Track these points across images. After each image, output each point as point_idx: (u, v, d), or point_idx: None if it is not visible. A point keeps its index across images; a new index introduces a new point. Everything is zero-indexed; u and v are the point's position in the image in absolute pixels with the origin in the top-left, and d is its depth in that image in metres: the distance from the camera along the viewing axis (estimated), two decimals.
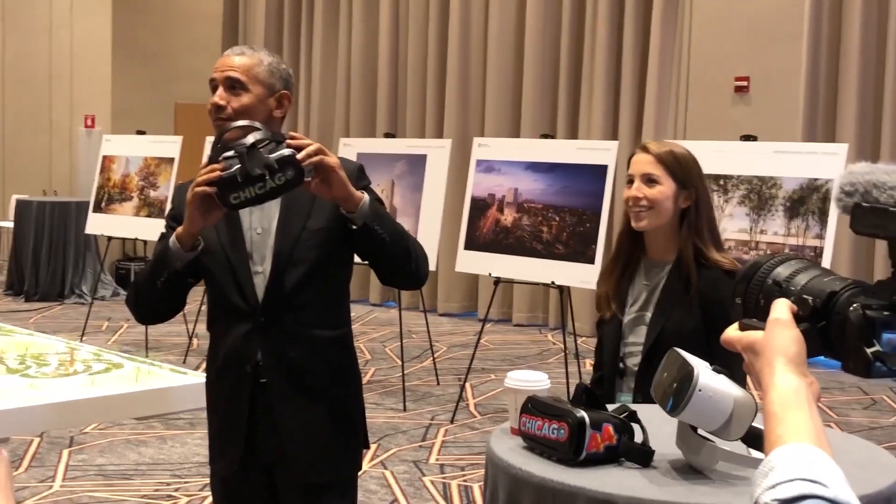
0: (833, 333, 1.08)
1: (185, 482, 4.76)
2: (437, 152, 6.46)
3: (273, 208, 2.37)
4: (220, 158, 2.19)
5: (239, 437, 2.40)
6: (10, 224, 10.32)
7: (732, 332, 1.16)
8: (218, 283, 2.40)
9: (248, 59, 2.36)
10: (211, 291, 2.45)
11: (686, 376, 1.71)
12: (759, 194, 5.00)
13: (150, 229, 7.71)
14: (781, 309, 1.10)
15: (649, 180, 2.50)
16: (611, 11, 8.52)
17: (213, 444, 2.56)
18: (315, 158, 2.16)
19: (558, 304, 8.50)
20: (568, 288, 5.83)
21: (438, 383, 6.82)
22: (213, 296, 2.45)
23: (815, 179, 4.84)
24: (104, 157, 8.26)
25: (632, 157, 2.60)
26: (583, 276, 5.56)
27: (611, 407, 1.93)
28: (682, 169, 2.50)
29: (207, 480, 4.71)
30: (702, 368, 1.72)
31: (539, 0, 8.93)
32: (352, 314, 2.61)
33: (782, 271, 1.16)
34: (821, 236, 4.78)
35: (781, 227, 4.91)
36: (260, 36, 11.11)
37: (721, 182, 5.11)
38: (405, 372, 6.59)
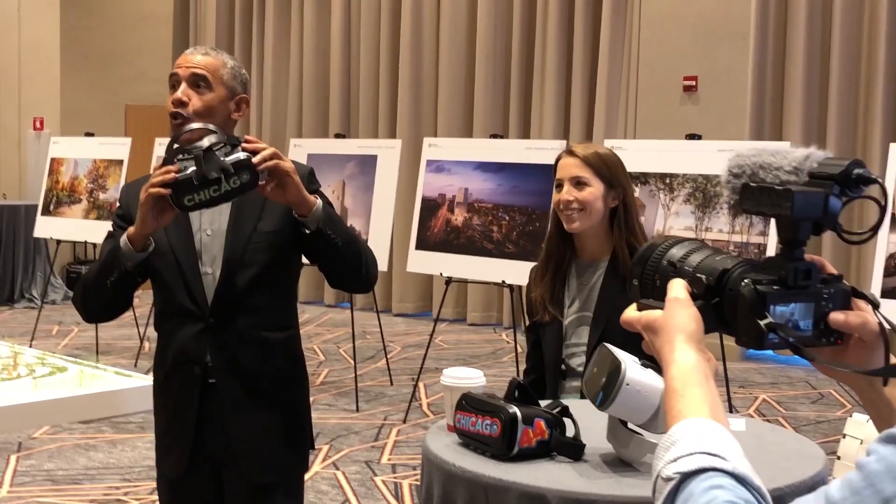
0: (726, 309, 1.12)
1: (135, 486, 4.74)
2: (388, 153, 6.47)
3: (224, 210, 2.37)
4: (175, 160, 2.19)
5: (187, 437, 2.40)
6: None
7: (631, 313, 1.19)
8: (167, 285, 2.40)
9: (213, 60, 2.38)
10: (159, 292, 2.45)
11: (614, 371, 1.75)
12: (703, 192, 5.07)
13: (100, 232, 7.62)
14: (678, 288, 1.13)
15: (578, 183, 2.54)
16: (561, 12, 8.59)
17: (159, 445, 2.57)
18: (270, 163, 2.17)
19: (512, 303, 8.56)
20: (519, 287, 5.87)
21: (392, 383, 6.83)
22: (161, 297, 2.45)
23: None
24: (52, 160, 8.18)
25: (558, 161, 2.63)
26: None
27: (543, 402, 1.96)
28: (609, 170, 2.55)
29: (156, 484, 4.71)
30: (629, 363, 1.76)
31: (490, 1, 8.98)
32: (306, 315, 2.64)
33: (676, 252, 1.20)
34: (764, 233, 4.85)
35: (726, 224, 4.98)
36: (211, 37, 11.05)
37: (667, 181, 5.17)
38: (358, 373, 6.59)
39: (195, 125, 2.25)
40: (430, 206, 6.10)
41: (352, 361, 6.98)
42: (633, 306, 1.19)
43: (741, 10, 7.55)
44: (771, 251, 4.83)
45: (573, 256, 2.62)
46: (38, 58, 10.78)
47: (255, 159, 2.16)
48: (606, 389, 1.74)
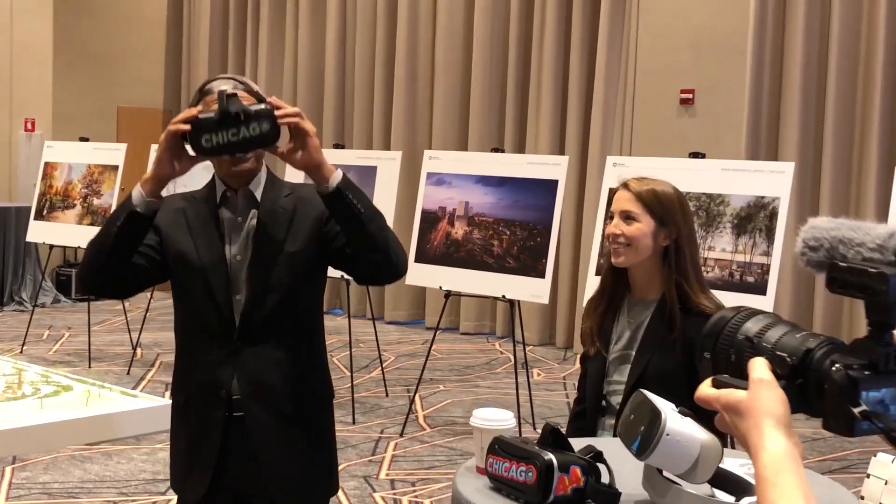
0: (810, 391, 1.10)
1: (133, 500, 4.69)
2: (388, 164, 6.45)
3: (251, 236, 2.38)
4: (199, 111, 2.24)
5: (209, 462, 2.38)
6: None
7: (708, 391, 1.16)
8: (196, 305, 2.39)
9: (243, 91, 2.37)
10: (186, 313, 2.44)
11: (653, 420, 1.73)
12: (707, 211, 5.06)
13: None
14: (762, 368, 1.11)
15: (627, 217, 2.50)
16: (558, 25, 8.58)
17: (177, 469, 2.53)
18: (292, 119, 2.19)
19: (505, 312, 8.56)
20: (518, 301, 5.86)
21: (387, 395, 6.80)
22: (188, 317, 2.43)
23: (762, 197, 4.92)
24: (46, 164, 8.11)
25: (614, 193, 2.61)
26: (533, 291, 5.58)
27: (577, 444, 1.94)
28: (663, 207, 2.50)
29: (155, 498, 4.67)
30: (669, 412, 1.74)
31: (487, 13, 8.96)
32: None
33: (752, 326, 1.17)
34: (767, 253, 4.85)
35: (729, 243, 4.97)
36: (205, 42, 10.98)
37: None
38: (354, 383, 6.57)
39: (227, 76, 2.34)
40: (430, 219, 6.07)
41: (347, 371, 6.95)
42: (708, 382, 1.17)
43: (739, 24, 7.56)
44: (774, 271, 4.82)
45: (627, 292, 2.60)
46: (30, 58, 10.70)
47: (277, 112, 2.19)
48: (645, 438, 1.72)
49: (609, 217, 2.57)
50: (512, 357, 7.79)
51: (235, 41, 10.93)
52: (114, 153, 7.72)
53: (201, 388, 2.39)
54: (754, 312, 1.19)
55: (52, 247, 7.98)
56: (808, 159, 7.28)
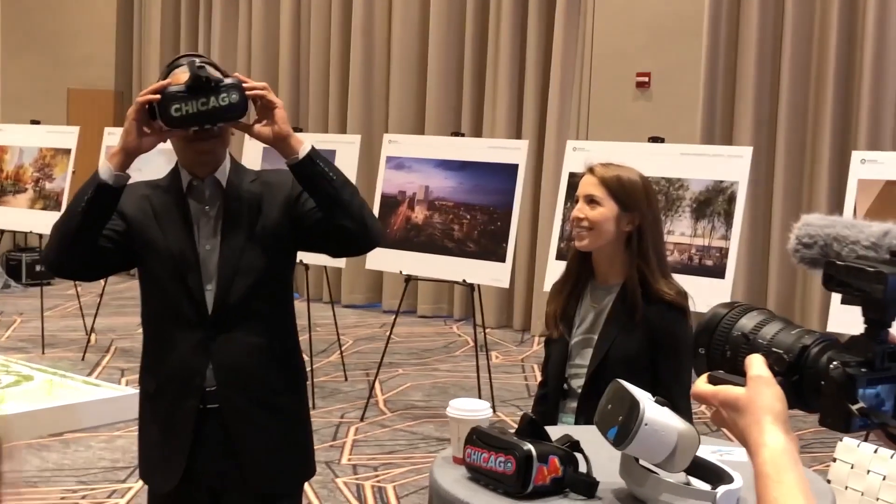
0: (806, 388, 1.11)
1: (92, 489, 4.64)
2: (347, 148, 6.41)
3: (219, 223, 2.37)
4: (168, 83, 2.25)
5: (182, 452, 2.35)
6: None
7: (704, 387, 1.16)
8: (166, 293, 2.36)
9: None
10: (155, 301, 2.42)
11: (631, 410, 1.74)
12: (666, 195, 5.10)
13: (46, 222, 7.43)
14: (760, 365, 1.11)
15: (591, 201, 2.54)
16: (514, 8, 8.57)
17: (147, 459, 2.49)
18: (260, 92, 2.23)
19: (463, 295, 8.56)
20: (479, 286, 5.87)
21: (346, 379, 6.79)
22: (158, 305, 2.41)
23: (721, 182, 4.97)
24: None
25: (579, 178, 2.63)
26: (494, 275, 5.60)
27: (553, 431, 1.95)
28: (626, 192, 2.53)
29: (115, 486, 4.63)
30: (647, 402, 1.75)
31: None
32: None
33: (747, 323, 1.18)
34: (726, 237, 4.91)
35: (688, 227, 5.02)
36: (156, 23, 10.81)
37: None
38: (313, 367, 6.55)
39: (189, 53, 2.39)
40: (390, 203, 6.06)
41: (306, 356, 6.92)
42: (704, 378, 1.17)
43: (695, 7, 7.61)
44: (732, 254, 4.88)
45: (591, 276, 2.62)
46: None
47: (245, 85, 2.23)
48: (623, 428, 1.74)
49: (574, 201, 2.60)
50: (470, 340, 7.81)
51: (188, 21, 10.77)
52: (66, 136, 7.59)
53: (173, 376, 2.37)
54: (748, 309, 1.20)
55: (2, 231, 7.84)
56: (762, 143, 7.36)
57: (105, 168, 2.25)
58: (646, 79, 7.92)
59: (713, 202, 4.98)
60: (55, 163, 7.51)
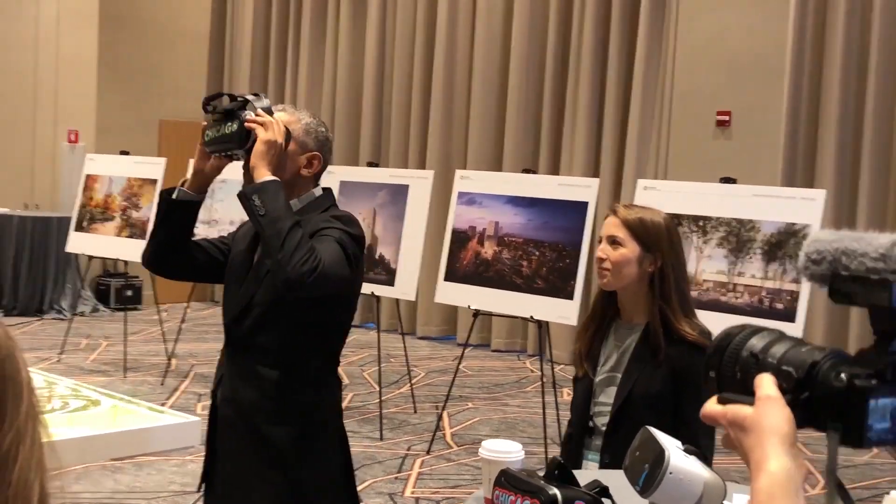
0: (817, 405, 1.07)
1: None
2: (419, 183, 6.50)
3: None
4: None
5: (206, 457, 2.60)
6: None
7: (714, 407, 1.14)
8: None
9: (288, 116, 2.52)
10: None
11: (657, 457, 1.74)
12: (737, 237, 5.06)
13: (132, 249, 7.69)
14: (769, 385, 1.08)
15: (613, 242, 2.58)
16: (595, 46, 8.59)
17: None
18: (252, 124, 2.38)
19: (536, 331, 8.56)
20: (547, 323, 5.87)
21: (416, 411, 6.84)
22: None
23: (793, 224, 4.91)
24: (87, 176, 8.26)
25: (605, 219, 2.67)
26: (561, 312, 5.60)
27: (584, 475, 1.96)
28: (648, 234, 2.56)
29: None
30: (673, 450, 1.75)
31: (524, 34, 9.00)
32: None
33: (756, 342, 1.14)
34: (797, 280, 4.83)
35: (759, 269, 4.96)
36: (246, 57, 11.12)
37: (700, 223, 5.16)
38: (382, 398, 6.61)
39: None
40: (461, 238, 6.11)
41: (376, 387, 7.00)
42: (714, 399, 1.14)
43: (777, 46, 7.53)
44: (804, 298, 4.80)
45: (616, 315, 2.64)
46: (75, 71, 10.89)
47: (247, 117, 2.38)
48: (649, 476, 1.74)
49: (599, 241, 2.62)
50: (545, 376, 7.79)
51: (276, 56, 11.06)
52: (153, 167, 7.84)
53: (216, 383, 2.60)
54: (758, 329, 1.16)
55: (91, 257, 8.11)
56: (844, 186, 7.23)
57: (179, 183, 2.52)
58: (726, 118, 7.86)
59: (785, 244, 4.92)
60: (142, 192, 7.76)
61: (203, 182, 2.50)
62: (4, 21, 11.65)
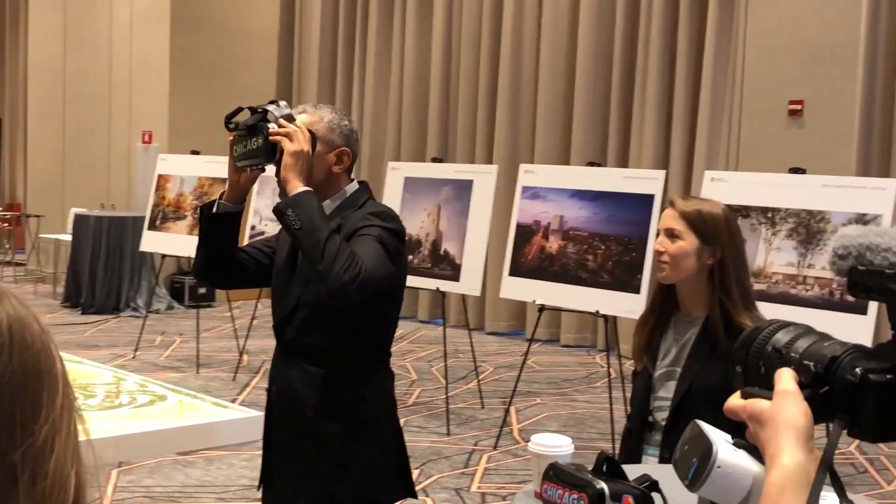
0: (837, 400, 1.06)
1: None
2: (484, 178, 6.49)
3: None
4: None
5: (263, 453, 2.62)
6: (69, 237, 10.54)
7: (736, 401, 1.15)
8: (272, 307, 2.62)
9: (309, 117, 2.49)
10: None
11: (706, 451, 1.71)
12: (807, 228, 4.95)
13: None
14: (787, 379, 1.08)
15: (671, 235, 2.54)
16: (663, 38, 8.49)
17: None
18: (276, 136, 2.37)
19: (605, 327, 8.48)
20: (614, 317, 5.82)
21: (483, 406, 6.83)
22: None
23: (864, 214, 4.79)
24: (159, 176, 8.42)
25: (662, 212, 2.64)
26: (628, 306, 5.54)
27: (635, 470, 1.94)
28: (707, 226, 2.52)
29: None
30: (721, 444, 1.72)
31: (591, 27, 8.93)
32: (399, 331, 2.73)
33: (781, 337, 1.15)
34: None
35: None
36: (315, 56, 11.23)
37: (769, 215, 5.07)
38: (450, 394, 6.62)
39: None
40: (525, 233, 6.09)
41: (443, 381, 7.01)
42: (738, 393, 1.15)
43: (850, 34, 7.36)
44: None
45: (676, 309, 2.60)
46: (148, 72, 11.11)
47: (271, 130, 2.37)
48: (698, 470, 1.71)
49: (657, 234, 2.59)
50: (612, 371, 7.73)
51: (343, 54, 11.15)
52: (223, 166, 7.93)
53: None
54: (786, 324, 1.16)
55: (164, 255, 8.27)
56: None
57: (219, 196, 2.55)
58: (798, 107, 7.69)
59: None
60: (212, 191, 7.88)
61: (240, 192, 2.52)
62: (79, 25, 11.95)
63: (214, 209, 2.52)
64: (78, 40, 11.99)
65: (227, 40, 11.24)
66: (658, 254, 2.56)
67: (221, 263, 2.57)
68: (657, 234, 2.62)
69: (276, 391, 2.56)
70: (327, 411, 2.47)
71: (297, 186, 2.35)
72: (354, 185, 2.55)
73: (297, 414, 2.50)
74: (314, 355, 2.48)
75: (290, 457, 2.52)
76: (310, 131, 2.43)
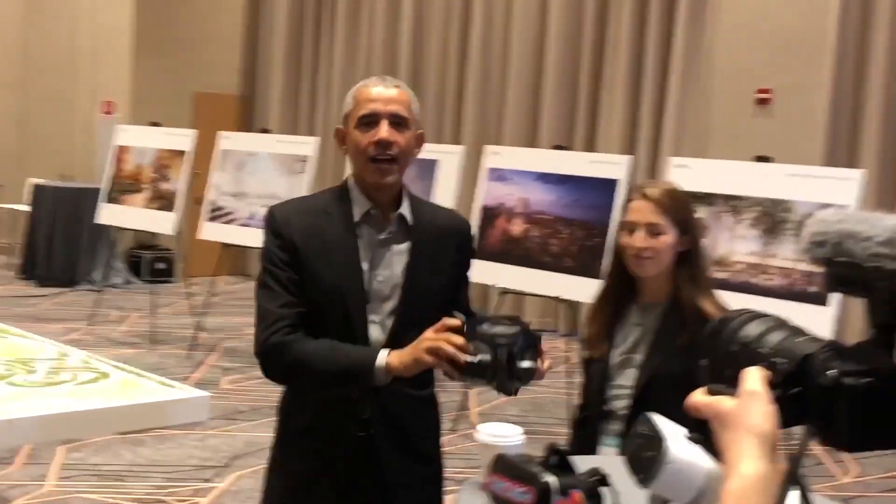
0: (811, 402, 0.98)
1: (178, 486, 4.74)
2: (449, 158, 6.40)
3: (395, 259, 2.26)
4: (471, 339, 2.04)
5: (333, 490, 2.28)
6: (27, 208, 10.34)
7: (700, 398, 1.07)
8: (328, 324, 2.21)
9: (407, 96, 2.26)
10: (320, 331, 2.21)
11: (657, 447, 1.64)
12: (771, 217, 4.91)
13: (161, 221, 7.69)
14: (754, 379, 0.99)
15: (653, 230, 2.42)
16: (633, 21, 8.42)
17: (294, 494, 2.37)
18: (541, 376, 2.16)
19: (568, 310, 8.45)
20: (576, 302, 5.76)
21: (441, 388, 6.75)
22: (319, 335, 2.23)
23: (829, 205, 4.74)
24: (119, 148, 8.25)
25: (630, 202, 2.50)
26: (590, 291, 5.46)
27: (588, 461, 1.86)
28: (682, 214, 2.45)
29: (199, 485, 4.70)
30: (673, 438, 1.65)
31: (561, 9, 8.85)
32: None
33: (752, 330, 1.06)
34: None
35: (793, 251, 4.81)
36: (282, 30, 11.06)
37: (733, 203, 5.02)
38: None
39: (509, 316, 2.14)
40: (490, 215, 6.01)
41: None
42: (703, 389, 1.06)
43: (820, 23, 7.33)
44: None
45: (632, 296, 2.52)
46: (111, 42, 10.90)
47: (541, 369, 2.12)
48: (648, 466, 1.64)
49: (629, 228, 2.46)
50: (573, 357, 7.69)
51: (311, 31, 10.99)
52: (182, 139, 7.81)
53: (328, 414, 2.28)
54: (757, 315, 1.08)
55: (121, 228, 8.12)
56: (888, 167, 7.03)
57: (380, 376, 2.11)
58: (767, 95, 7.66)
59: None
60: (171, 164, 7.73)
61: (405, 374, 2.11)
62: None
63: (378, 381, 2.11)
64: (40, 7, 11.74)
65: (193, 11, 11.04)
66: (639, 250, 2.42)
67: None
68: (626, 227, 2.48)
69: (373, 420, 2.30)
70: (427, 430, 2.45)
71: (397, 369, 2.09)
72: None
73: (396, 434, 2.37)
74: (418, 375, 2.22)
75: (409, 487, 2.39)
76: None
